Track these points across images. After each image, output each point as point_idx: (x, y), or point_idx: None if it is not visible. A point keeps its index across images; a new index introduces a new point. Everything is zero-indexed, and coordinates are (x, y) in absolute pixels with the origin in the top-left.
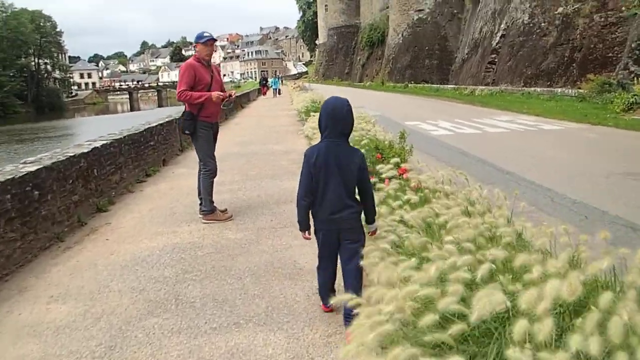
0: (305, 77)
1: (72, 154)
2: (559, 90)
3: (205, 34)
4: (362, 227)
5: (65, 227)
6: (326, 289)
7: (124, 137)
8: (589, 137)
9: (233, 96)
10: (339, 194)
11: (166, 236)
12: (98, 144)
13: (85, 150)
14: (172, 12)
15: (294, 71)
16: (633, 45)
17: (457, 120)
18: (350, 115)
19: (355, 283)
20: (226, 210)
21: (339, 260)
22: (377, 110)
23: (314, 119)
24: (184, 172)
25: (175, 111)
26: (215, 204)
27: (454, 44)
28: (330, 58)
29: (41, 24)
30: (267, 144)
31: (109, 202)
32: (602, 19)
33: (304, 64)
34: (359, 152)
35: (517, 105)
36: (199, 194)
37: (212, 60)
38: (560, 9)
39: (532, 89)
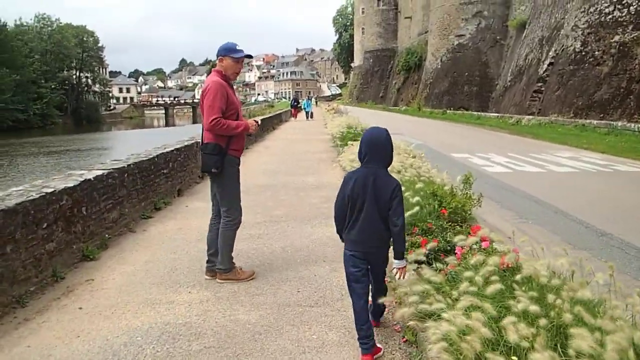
0: (339, 99)
1: (50, 190)
2: (619, 124)
3: (238, 48)
4: (388, 254)
5: (32, 285)
6: (366, 328)
7: (129, 165)
8: None
9: (259, 123)
10: (372, 221)
11: (157, 309)
12: (91, 175)
13: (71, 185)
14: (211, 29)
15: (327, 93)
16: None
17: (511, 155)
18: (390, 145)
19: (377, 310)
20: (241, 268)
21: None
22: (417, 138)
23: (352, 149)
24: (200, 207)
25: None
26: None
27: (495, 71)
28: (365, 81)
29: (84, 39)
30: (296, 175)
31: (101, 245)
32: None
33: (338, 85)
34: (396, 181)
35: (573, 139)
36: (209, 248)
37: (247, 79)
38: (616, 37)
39: (587, 121)
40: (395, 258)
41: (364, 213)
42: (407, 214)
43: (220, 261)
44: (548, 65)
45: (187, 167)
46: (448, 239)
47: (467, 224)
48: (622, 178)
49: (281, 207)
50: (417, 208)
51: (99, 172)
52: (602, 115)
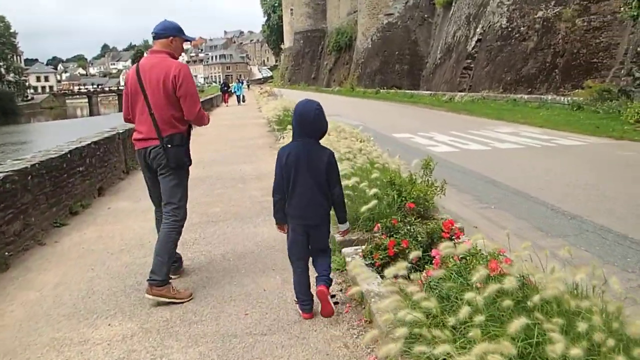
0: (271, 82)
1: None
2: (549, 97)
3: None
4: (329, 225)
5: None
6: (303, 293)
7: (33, 165)
8: (625, 156)
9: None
10: (309, 191)
11: (67, 354)
12: None
13: None
14: (135, 14)
15: (258, 75)
16: (639, 50)
17: (452, 133)
18: (321, 118)
19: (324, 265)
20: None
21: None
22: (355, 119)
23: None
24: (124, 207)
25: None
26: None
27: (424, 49)
28: (296, 62)
29: None
30: (233, 164)
31: None
32: (585, 24)
33: (269, 68)
34: (328, 150)
35: (508, 115)
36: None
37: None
38: (540, 13)
39: (518, 95)
40: (339, 222)
41: (300, 186)
42: (364, 208)
43: (157, 271)
44: (476, 42)
45: (109, 162)
46: (419, 238)
47: (431, 216)
48: (568, 153)
49: (219, 203)
50: (374, 201)
51: None
52: (530, 89)
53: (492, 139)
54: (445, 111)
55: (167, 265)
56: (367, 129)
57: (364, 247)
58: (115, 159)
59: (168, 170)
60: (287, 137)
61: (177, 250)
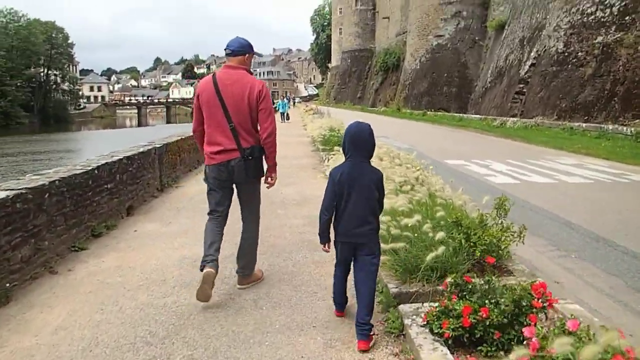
0: (316, 100)
1: None
2: (610, 127)
3: None
4: (378, 243)
5: None
6: (339, 297)
7: (53, 182)
8: None
9: None
10: (358, 210)
11: None
12: None
13: None
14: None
15: (304, 93)
16: None
17: (510, 161)
18: (372, 139)
19: (367, 297)
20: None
21: None
22: (403, 141)
23: (338, 157)
24: (151, 230)
25: (181, 130)
26: None
27: (474, 72)
28: (342, 81)
29: (53, 35)
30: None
31: None
32: None
33: (315, 86)
34: (379, 173)
35: (567, 144)
36: (210, 247)
37: None
38: (599, 38)
39: (575, 124)
40: None
41: (351, 204)
42: (430, 257)
43: (247, 268)
44: (530, 66)
45: (142, 179)
46: (502, 306)
47: (504, 266)
48: None
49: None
50: (442, 248)
51: (1, 196)
52: (586, 117)
53: (556, 171)
54: (497, 137)
55: (255, 260)
56: (416, 153)
57: (426, 305)
58: (149, 176)
59: (249, 180)
60: (334, 160)
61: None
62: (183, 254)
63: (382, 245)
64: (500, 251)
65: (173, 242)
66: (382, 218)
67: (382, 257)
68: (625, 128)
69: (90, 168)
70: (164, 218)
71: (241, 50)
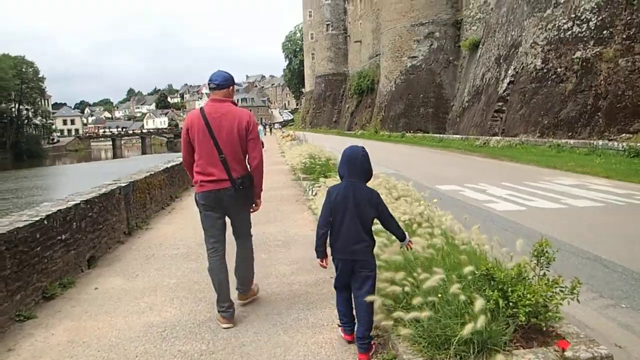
0: (291, 125)
1: None
2: (600, 142)
3: None
4: (374, 259)
5: None
6: (346, 317)
7: None
8: None
9: None
10: (354, 228)
11: None
12: None
13: None
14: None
15: (279, 119)
16: None
17: (505, 184)
18: (366, 161)
19: (366, 316)
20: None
21: None
22: (386, 166)
23: (324, 190)
24: (116, 286)
25: (160, 160)
26: None
27: (449, 92)
28: (317, 106)
29: (23, 69)
30: (254, 224)
31: None
32: (630, 64)
33: (290, 111)
34: (375, 192)
35: (558, 162)
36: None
37: (196, 107)
38: (578, 53)
39: (562, 140)
40: (401, 240)
41: (346, 223)
42: (467, 330)
43: (245, 284)
44: (508, 83)
45: (105, 224)
46: None
47: (552, 330)
48: None
49: (233, 287)
50: (482, 319)
51: None
52: (570, 133)
53: (559, 193)
54: (483, 157)
55: (251, 276)
56: (403, 179)
57: None
58: (114, 219)
59: (240, 208)
60: (322, 192)
61: None
62: (149, 320)
63: (401, 314)
64: (548, 314)
65: (139, 302)
66: (396, 275)
67: (402, 330)
68: (616, 143)
69: (38, 218)
70: (130, 270)
71: (225, 83)
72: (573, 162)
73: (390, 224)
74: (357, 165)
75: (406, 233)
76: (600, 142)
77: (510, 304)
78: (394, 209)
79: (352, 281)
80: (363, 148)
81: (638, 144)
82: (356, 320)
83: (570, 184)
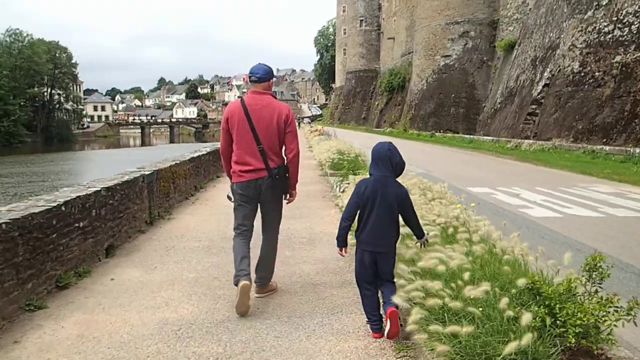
0: (320, 120)
1: None
2: (637, 150)
3: None
4: (395, 252)
5: None
6: (374, 312)
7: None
8: None
9: None
10: (381, 222)
11: None
12: None
13: None
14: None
15: (308, 113)
16: None
17: (539, 189)
18: (394, 155)
19: (390, 293)
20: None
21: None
22: (416, 165)
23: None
24: (133, 278)
25: (187, 149)
26: None
27: (482, 93)
28: (347, 102)
29: (57, 55)
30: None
31: None
32: None
33: (318, 106)
34: (403, 188)
35: (594, 169)
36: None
37: (226, 99)
38: (618, 58)
39: (597, 146)
40: (419, 237)
41: (374, 216)
42: (508, 349)
43: (267, 275)
44: (543, 86)
45: (126, 213)
46: None
47: (602, 354)
48: None
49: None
50: (528, 337)
51: None
52: (604, 139)
53: (596, 201)
54: (514, 160)
55: (272, 270)
56: (434, 179)
57: None
58: (135, 208)
59: (275, 197)
60: (350, 190)
61: None
62: (165, 316)
63: (437, 327)
64: (598, 336)
65: (155, 297)
66: (432, 284)
67: (438, 347)
68: None
69: (55, 204)
70: (149, 261)
71: (266, 76)
72: (609, 169)
73: (412, 222)
74: (384, 160)
75: (425, 232)
76: (638, 150)
77: (558, 322)
78: (429, 211)
79: (378, 283)
80: (390, 143)
81: None
82: (381, 293)
83: (607, 192)
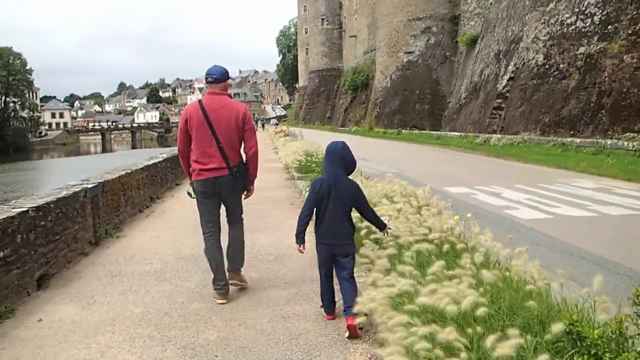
0: (284, 121)
1: None
2: (609, 142)
3: None
4: (353, 245)
5: None
6: (327, 300)
7: None
8: None
9: None
10: (336, 216)
11: None
12: None
13: None
14: (152, 53)
15: (272, 114)
16: None
17: (520, 187)
18: (346, 154)
19: (351, 292)
20: None
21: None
22: (386, 164)
23: None
24: (66, 317)
25: (150, 155)
26: None
27: (446, 88)
28: (311, 101)
29: (10, 61)
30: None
31: None
32: (635, 60)
33: (282, 107)
34: (355, 184)
35: (567, 162)
36: (217, 267)
37: (188, 102)
38: (582, 49)
39: (568, 139)
40: (381, 229)
41: (329, 210)
42: None
43: (239, 261)
44: (508, 80)
45: (65, 234)
46: None
47: None
48: None
49: (214, 316)
50: None
51: None
52: (572, 132)
53: (583, 199)
54: (485, 156)
55: (243, 256)
56: (406, 179)
57: None
58: (77, 227)
59: (235, 193)
60: None
61: None
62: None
63: None
64: None
65: (89, 344)
66: (446, 334)
67: None
68: (625, 143)
69: None
70: (89, 292)
71: (222, 77)
72: (584, 162)
73: (369, 214)
74: (338, 159)
75: (386, 222)
76: (609, 142)
77: None
78: (420, 224)
79: (335, 266)
80: (343, 142)
81: None
82: (342, 295)
83: (590, 188)
